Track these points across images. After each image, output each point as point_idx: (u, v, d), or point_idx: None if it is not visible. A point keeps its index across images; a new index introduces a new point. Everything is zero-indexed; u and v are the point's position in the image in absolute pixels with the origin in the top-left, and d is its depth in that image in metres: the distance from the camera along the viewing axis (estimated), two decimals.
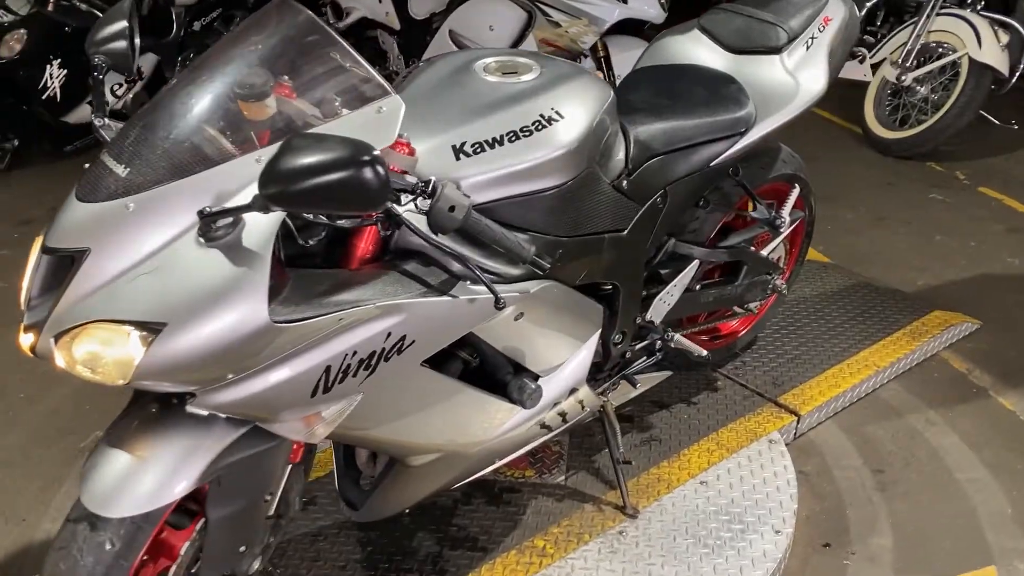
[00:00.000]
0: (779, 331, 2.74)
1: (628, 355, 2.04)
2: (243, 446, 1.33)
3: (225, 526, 1.39)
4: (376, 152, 1.07)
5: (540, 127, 1.50)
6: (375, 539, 1.97)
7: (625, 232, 1.79)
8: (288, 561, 1.91)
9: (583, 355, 1.76)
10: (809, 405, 2.40)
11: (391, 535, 1.98)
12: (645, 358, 2.11)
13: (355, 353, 1.31)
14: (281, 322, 1.21)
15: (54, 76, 4.09)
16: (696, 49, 2.17)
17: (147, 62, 4.56)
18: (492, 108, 1.50)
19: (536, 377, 1.68)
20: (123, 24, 1.43)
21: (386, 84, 1.32)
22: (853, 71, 4.24)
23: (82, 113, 4.35)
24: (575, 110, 1.57)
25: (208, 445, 1.29)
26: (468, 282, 1.42)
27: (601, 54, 3.86)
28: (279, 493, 1.47)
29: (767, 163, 2.25)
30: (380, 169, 1.06)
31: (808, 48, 2.11)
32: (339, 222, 1.29)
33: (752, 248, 2.25)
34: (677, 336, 2.09)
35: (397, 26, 4.34)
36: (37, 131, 4.38)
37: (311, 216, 1.26)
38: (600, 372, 2.00)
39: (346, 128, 1.23)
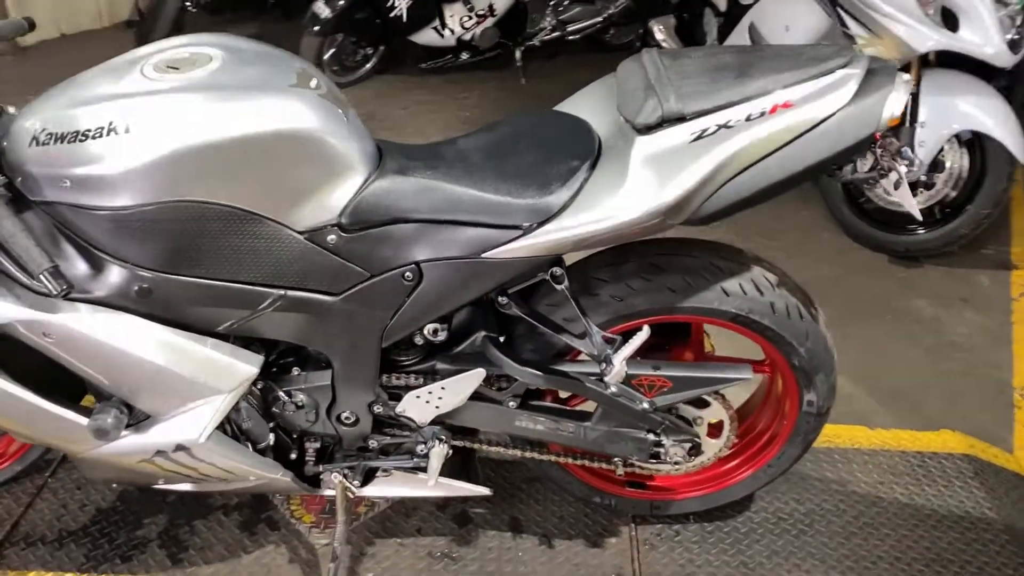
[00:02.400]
0: None
1: (375, 445, 1.68)
2: None
3: None
4: None
5: (100, 135, 1.27)
6: None
7: (337, 298, 1.44)
8: None
9: (202, 410, 1.48)
10: None
11: None
12: (408, 457, 1.70)
13: None
14: None
15: None
16: (597, 102, 1.55)
17: (502, 2, 4.75)
18: (81, 103, 1.32)
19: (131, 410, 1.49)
20: None
21: None
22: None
23: (428, 36, 4.75)
24: (162, 127, 1.29)
25: None
26: None
27: (912, 88, 2.88)
28: None
29: (683, 283, 1.54)
30: None
31: (695, 140, 1.34)
32: None
33: (605, 388, 1.61)
34: (440, 447, 1.65)
35: (723, 7, 3.79)
36: (401, 44, 4.91)
37: None
38: (340, 450, 1.70)
39: None
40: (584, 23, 5.08)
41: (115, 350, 1.40)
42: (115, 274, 1.37)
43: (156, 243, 1.35)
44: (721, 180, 1.37)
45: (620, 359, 1.54)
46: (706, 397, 1.70)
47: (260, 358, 1.51)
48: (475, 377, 1.58)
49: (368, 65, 4.92)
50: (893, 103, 1.38)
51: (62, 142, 1.28)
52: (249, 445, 1.61)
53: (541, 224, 1.41)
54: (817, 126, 1.37)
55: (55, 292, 1.27)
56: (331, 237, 1.42)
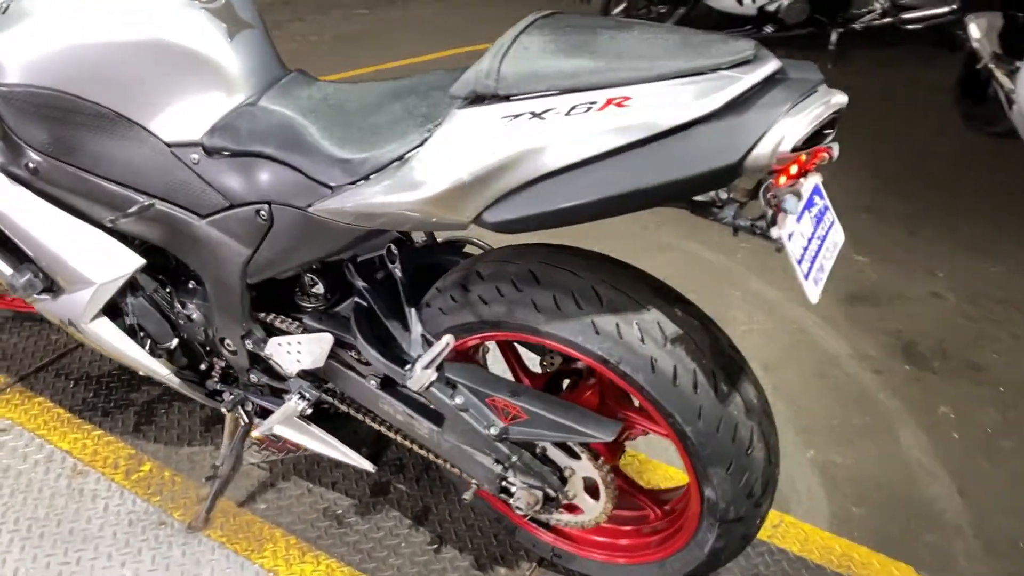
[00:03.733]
0: None
1: (255, 381, 1.64)
2: None
3: None
4: None
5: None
6: None
7: (202, 220, 1.43)
8: None
9: (83, 293, 1.54)
10: None
11: None
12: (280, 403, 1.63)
13: None
14: None
15: None
16: None
17: None
18: None
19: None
20: None
21: None
22: None
23: (726, 2, 4.33)
24: (41, 13, 1.35)
25: None
26: None
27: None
28: None
29: (551, 303, 1.27)
30: None
31: (501, 127, 1.06)
32: None
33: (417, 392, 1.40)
34: (294, 402, 1.56)
35: None
36: (697, 7, 4.55)
37: None
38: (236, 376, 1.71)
39: None
40: (927, 11, 4.24)
41: (11, 219, 1.54)
42: (11, 146, 1.49)
43: (38, 126, 1.43)
44: (513, 182, 1.07)
45: (420, 365, 1.31)
46: (574, 447, 1.38)
47: (139, 260, 1.54)
48: (324, 341, 1.46)
49: None
50: (783, 132, 0.95)
51: None
52: (150, 342, 1.67)
53: (344, 186, 1.24)
54: (660, 137, 1.00)
55: None
56: (194, 156, 1.39)
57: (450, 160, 1.10)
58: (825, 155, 1.04)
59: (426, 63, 4.50)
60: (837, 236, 1.15)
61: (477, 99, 1.11)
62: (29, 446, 1.95)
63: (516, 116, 1.06)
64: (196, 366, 1.73)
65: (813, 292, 1.06)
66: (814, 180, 1.07)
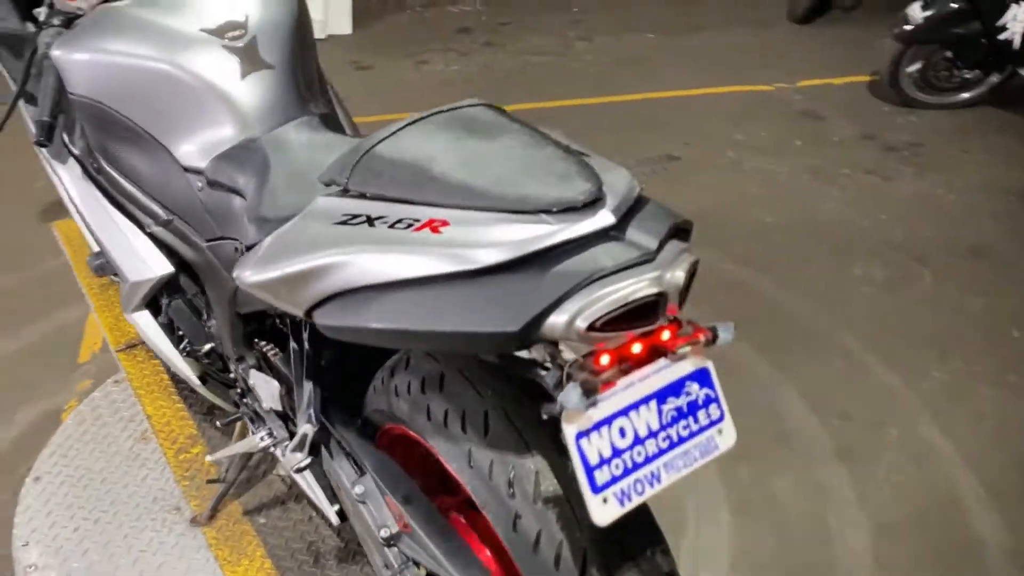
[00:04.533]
0: None
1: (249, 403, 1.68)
2: None
3: None
4: None
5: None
6: None
7: (204, 243, 1.49)
8: None
9: (126, 287, 1.67)
10: None
11: None
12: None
13: None
14: None
15: (1018, 19, 3.42)
16: None
17: None
18: None
19: None
20: None
21: None
22: None
23: None
24: (90, 32, 1.47)
25: None
26: None
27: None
28: None
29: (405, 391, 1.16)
30: None
31: (339, 224, 0.98)
32: None
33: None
34: (259, 437, 1.56)
35: None
36: (1013, 75, 3.80)
37: None
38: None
39: None
40: None
41: (81, 209, 1.71)
42: (86, 147, 1.65)
43: (97, 133, 1.58)
44: (332, 286, 0.96)
45: (290, 445, 1.23)
46: None
47: (167, 268, 1.63)
48: (272, 387, 1.45)
49: (967, 94, 3.96)
50: (578, 307, 0.75)
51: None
52: (186, 342, 1.77)
53: (252, 246, 1.20)
54: (459, 277, 0.83)
55: (36, 139, 1.61)
56: (199, 182, 1.44)
57: (287, 249, 1.01)
58: (680, 339, 0.79)
59: (685, 98, 4.28)
60: (709, 444, 0.87)
61: (334, 188, 1.01)
62: (124, 402, 2.18)
63: (354, 217, 0.95)
64: (226, 372, 1.80)
65: (601, 512, 0.81)
66: (675, 371, 0.82)
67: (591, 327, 0.75)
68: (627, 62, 4.86)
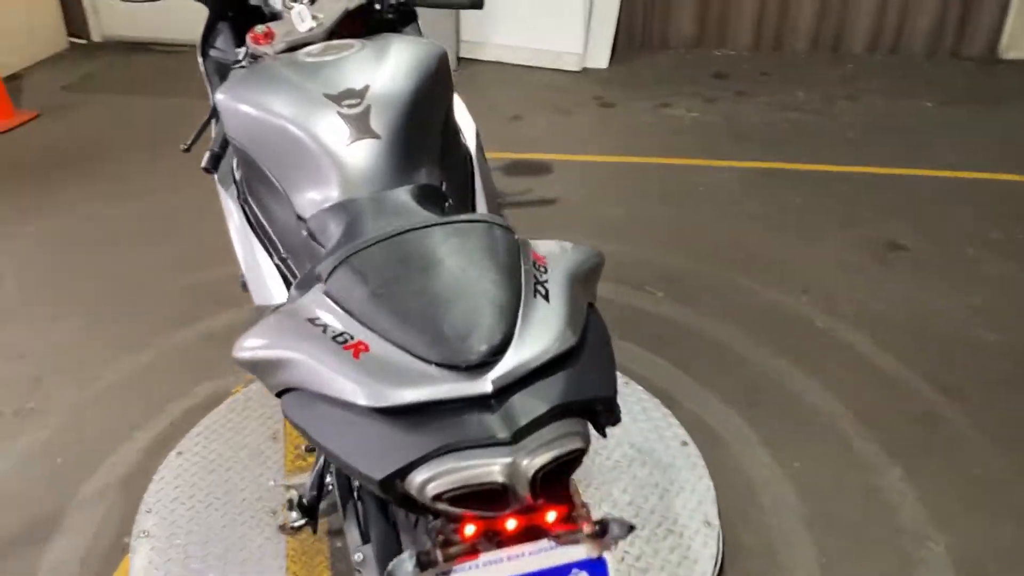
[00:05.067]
0: None
1: None
2: None
3: None
4: None
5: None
6: None
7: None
8: None
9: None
10: None
11: None
12: None
13: None
14: None
15: None
16: None
17: None
18: None
19: None
20: None
21: None
22: None
23: None
24: (243, 83, 1.61)
25: None
26: None
27: None
28: None
29: None
30: None
31: (310, 320, 0.98)
32: None
33: None
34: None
35: None
36: None
37: None
38: None
39: None
40: None
41: (229, 228, 1.89)
42: (238, 176, 1.82)
43: (240, 168, 1.74)
44: (283, 382, 0.98)
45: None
46: None
47: (284, 299, 1.77)
48: None
49: None
50: (432, 473, 0.72)
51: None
52: None
53: None
54: (348, 406, 0.82)
55: (203, 165, 1.81)
56: (303, 232, 1.55)
57: (267, 333, 1.06)
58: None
59: (945, 180, 3.82)
60: None
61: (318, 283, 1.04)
62: (271, 398, 2.39)
63: (316, 320, 0.97)
64: None
65: None
66: (560, 555, 0.75)
67: (438, 497, 0.71)
68: (892, 130, 4.43)
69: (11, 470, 2.27)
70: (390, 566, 0.75)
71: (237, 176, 1.87)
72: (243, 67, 1.72)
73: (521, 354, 0.77)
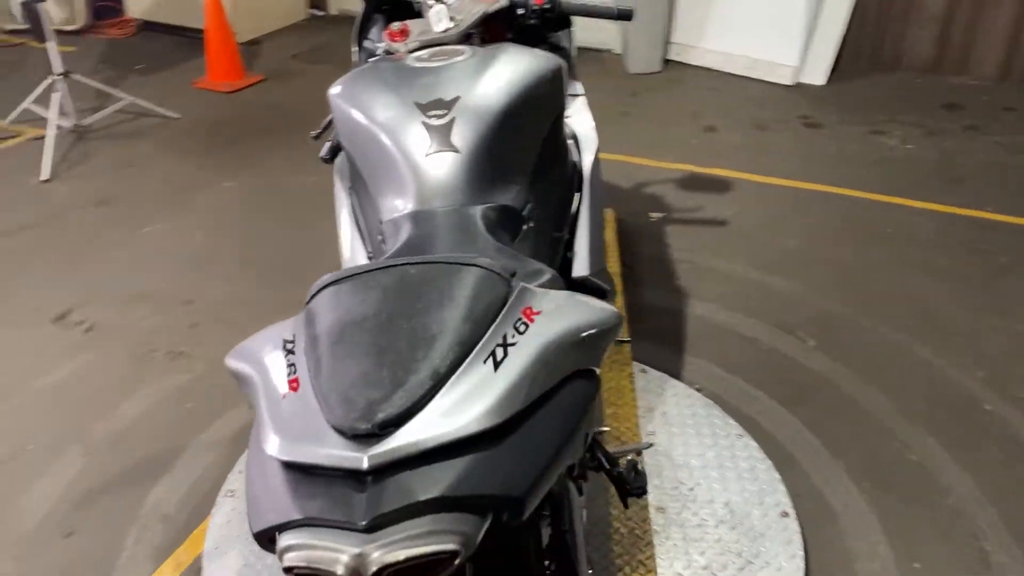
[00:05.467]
0: None
1: None
2: None
3: None
4: None
5: None
6: None
7: None
8: None
9: None
10: None
11: None
12: None
13: None
14: None
15: None
16: None
17: None
18: None
19: None
20: None
21: None
22: None
23: None
24: None
25: None
26: None
27: None
28: None
29: None
30: None
31: None
32: None
33: None
34: None
35: None
36: None
37: None
38: None
39: None
40: None
41: (339, 215, 1.93)
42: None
43: (348, 165, 1.76)
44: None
45: None
46: None
47: None
48: None
49: None
50: (281, 549, 0.69)
51: None
52: None
53: None
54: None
55: (321, 155, 1.85)
56: (379, 236, 1.55)
57: (252, 346, 1.04)
58: None
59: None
60: None
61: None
62: None
63: (287, 341, 0.95)
64: None
65: None
66: None
67: (289, 571, 0.66)
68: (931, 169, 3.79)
69: (147, 409, 2.49)
70: None
71: (347, 169, 1.91)
72: (370, 62, 1.74)
73: (418, 430, 0.70)
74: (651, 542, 1.92)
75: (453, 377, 0.76)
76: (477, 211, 1.41)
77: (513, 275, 0.98)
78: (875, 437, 2.35)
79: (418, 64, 1.56)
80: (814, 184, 3.84)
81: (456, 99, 1.46)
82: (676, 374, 2.57)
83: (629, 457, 1.71)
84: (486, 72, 1.50)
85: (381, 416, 0.70)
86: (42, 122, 4.15)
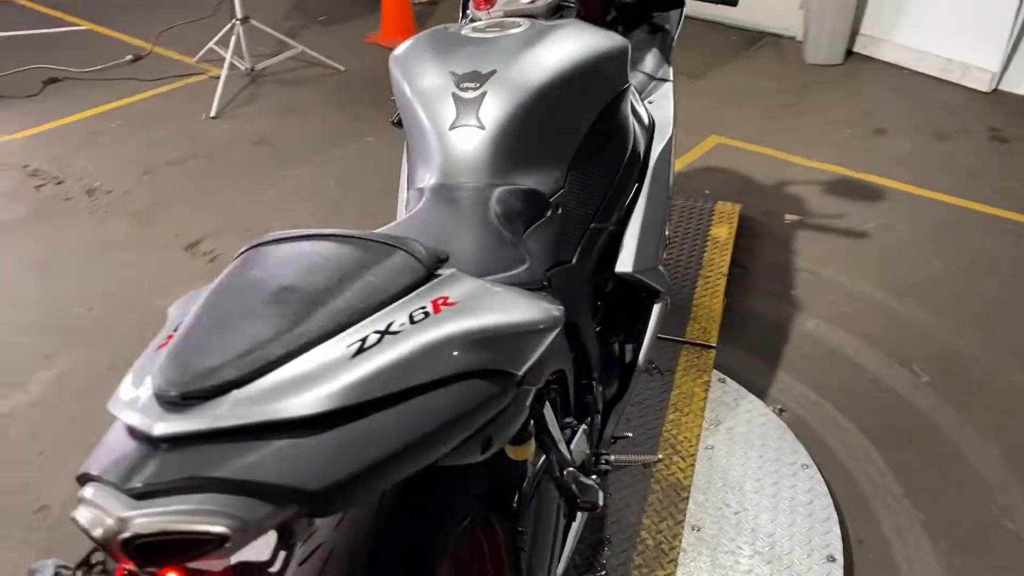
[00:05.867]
0: None
1: None
2: None
3: None
4: None
5: None
6: None
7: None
8: None
9: None
10: None
11: None
12: None
13: None
14: None
15: None
16: None
17: None
18: None
19: None
20: None
21: None
22: None
23: None
24: None
25: None
26: None
27: None
28: None
29: None
30: None
31: None
32: None
33: None
34: None
35: None
36: None
37: None
38: None
39: None
40: None
41: (401, 179, 1.93)
42: None
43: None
44: None
45: None
46: None
47: None
48: None
49: None
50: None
51: None
52: None
53: None
54: None
55: (393, 119, 1.86)
56: (407, 203, 1.55)
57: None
58: None
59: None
60: None
61: None
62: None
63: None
64: None
65: None
66: None
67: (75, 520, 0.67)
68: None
69: None
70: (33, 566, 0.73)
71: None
72: (431, 30, 1.71)
73: (228, 407, 0.68)
74: (675, 559, 1.82)
75: (302, 356, 0.74)
76: (495, 192, 1.37)
77: (443, 262, 0.94)
78: (971, 495, 2.10)
79: (472, 34, 1.52)
80: (981, 205, 3.44)
81: (492, 72, 1.41)
82: (760, 390, 2.41)
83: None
84: (533, 47, 1.44)
85: (194, 387, 0.69)
86: (224, 63, 4.46)
